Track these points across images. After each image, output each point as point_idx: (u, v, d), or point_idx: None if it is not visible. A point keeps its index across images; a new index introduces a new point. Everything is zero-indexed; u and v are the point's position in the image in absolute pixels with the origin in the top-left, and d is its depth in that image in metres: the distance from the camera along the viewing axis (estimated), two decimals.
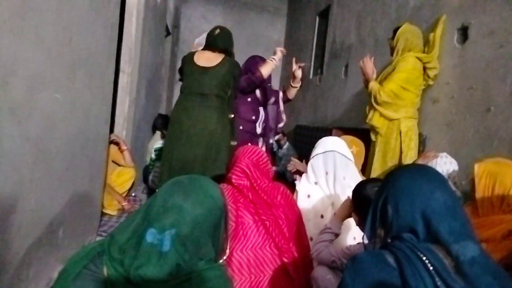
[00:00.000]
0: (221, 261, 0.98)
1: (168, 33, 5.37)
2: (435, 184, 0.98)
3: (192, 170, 2.47)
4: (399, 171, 1.08)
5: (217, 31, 2.68)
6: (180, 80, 2.74)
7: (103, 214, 2.70)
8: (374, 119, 2.68)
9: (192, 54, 2.66)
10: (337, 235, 1.64)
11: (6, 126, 1.20)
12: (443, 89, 2.60)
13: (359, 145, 2.67)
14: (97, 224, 2.46)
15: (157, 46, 4.30)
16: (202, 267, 0.90)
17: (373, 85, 2.65)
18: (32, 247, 1.46)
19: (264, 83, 2.89)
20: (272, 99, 3.03)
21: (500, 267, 0.94)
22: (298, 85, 3.03)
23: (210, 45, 2.65)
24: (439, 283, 0.87)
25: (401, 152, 2.58)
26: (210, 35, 2.68)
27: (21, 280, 1.40)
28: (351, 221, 1.78)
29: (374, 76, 2.72)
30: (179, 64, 2.81)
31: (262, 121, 2.99)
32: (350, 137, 2.63)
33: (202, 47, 2.73)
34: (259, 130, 2.99)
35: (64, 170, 1.71)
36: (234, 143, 2.67)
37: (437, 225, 0.93)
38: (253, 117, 2.95)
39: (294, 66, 2.95)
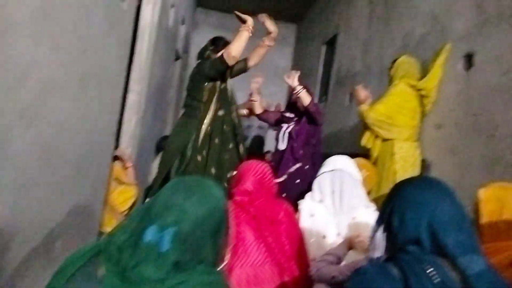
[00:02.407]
0: (220, 267, 0.95)
1: (177, 58, 5.49)
2: (442, 195, 0.97)
3: None
4: (405, 182, 1.06)
5: None
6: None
7: (101, 233, 2.66)
8: (366, 140, 2.80)
9: None
10: (340, 260, 1.61)
11: (16, 128, 1.21)
12: (447, 115, 2.61)
13: (370, 169, 2.65)
14: (95, 240, 2.43)
15: (167, 68, 4.38)
16: (201, 271, 0.87)
17: (363, 107, 2.82)
18: (27, 257, 1.41)
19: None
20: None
21: (507, 283, 0.92)
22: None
23: None
24: None
25: (395, 174, 2.59)
26: None
27: None
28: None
29: (368, 101, 2.87)
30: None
31: (283, 135, 3.10)
32: (362, 160, 2.62)
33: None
34: (281, 145, 3.06)
35: (69, 179, 1.70)
36: None
37: (444, 237, 0.91)
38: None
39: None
